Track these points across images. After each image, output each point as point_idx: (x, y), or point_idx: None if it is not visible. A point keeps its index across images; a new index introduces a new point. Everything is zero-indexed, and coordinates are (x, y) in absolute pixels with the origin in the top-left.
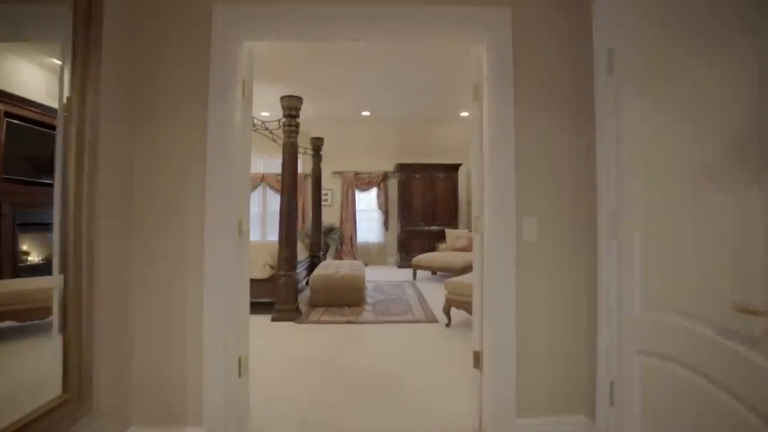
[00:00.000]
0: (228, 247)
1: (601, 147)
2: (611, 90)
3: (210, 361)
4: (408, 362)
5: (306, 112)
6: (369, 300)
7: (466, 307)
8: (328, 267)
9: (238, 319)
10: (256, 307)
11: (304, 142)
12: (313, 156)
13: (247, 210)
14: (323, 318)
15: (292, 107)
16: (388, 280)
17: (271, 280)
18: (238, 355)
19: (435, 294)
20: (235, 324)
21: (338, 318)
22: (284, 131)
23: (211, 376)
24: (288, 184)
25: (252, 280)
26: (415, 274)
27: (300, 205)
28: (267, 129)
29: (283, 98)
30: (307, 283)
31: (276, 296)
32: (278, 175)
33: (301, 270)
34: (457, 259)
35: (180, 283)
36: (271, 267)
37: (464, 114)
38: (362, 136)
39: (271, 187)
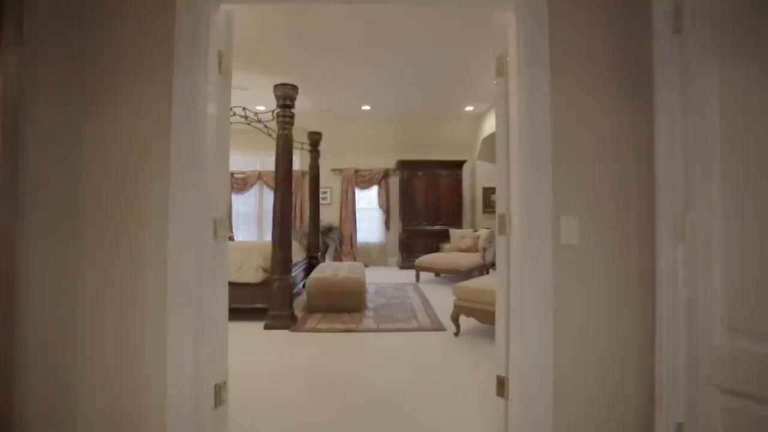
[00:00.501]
0: (200, 253)
1: (662, 131)
2: (676, 56)
3: (175, 395)
4: (414, 379)
5: (303, 106)
6: (370, 305)
7: (477, 314)
8: (327, 269)
9: (214, 340)
10: (248, 314)
11: (301, 137)
12: (310, 152)
13: (226, 208)
14: (320, 325)
15: (286, 96)
16: (390, 283)
17: (264, 284)
18: (213, 383)
19: (440, 298)
20: (210, 347)
21: (336, 325)
22: (278, 122)
23: (177, 413)
24: (282, 179)
25: (243, 285)
26: (418, 276)
27: (297, 203)
28: (260, 121)
29: (276, 87)
30: (304, 285)
31: (269, 302)
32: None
33: (297, 272)
34: (463, 260)
35: (141, 302)
36: (264, 270)
37: (469, 108)
38: (362, 131)
39: (268, 186)
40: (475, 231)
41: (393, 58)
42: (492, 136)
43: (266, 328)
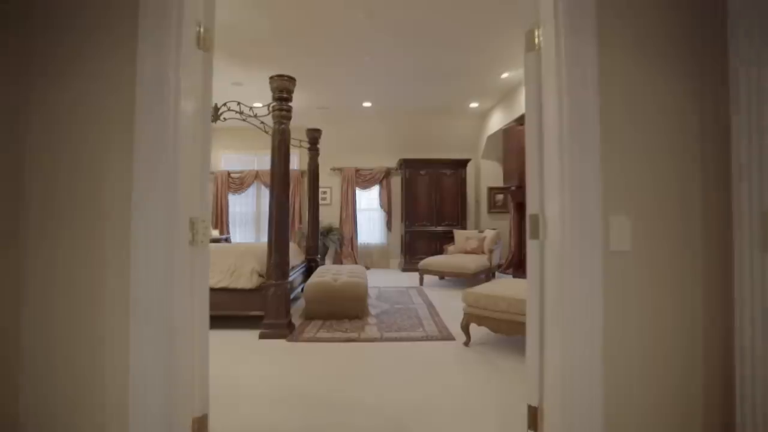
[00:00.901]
0: (171, 260)
1: (741, 113)
2: (758, 15)
3: None
4: (424, 399)
5: (302, 103)
6: (372, 311)
7: (489, 324)
8: (326, 273)
9: (191, 366)
10: (242, 322)
11: (299, 135)
12: (309, 149)
13: (208, 206)
14: (320, 334)
15: (282, 89)
16: (393, 286)
17: (259, 290)
18: (191, 417)
19: (446, 303)
20: (187, 374)
21: (337, 334)
22: (274, 116)
23: None
24: (278, 178)
25: (237, 291)
26: (421, 279)
27: (296, 204)
28: (255, 116)
29: (272, 78)
30: (303, 290)
31: (265, 309)
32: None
33: (296, 276)
34: (469, 262)
35: (100, 319)
36: (260, 275)
37: (473, 105)
38: (363, 129)
39: (266, 186)
40: (481, 232)
41: (395, 52)
42: (497, 134)
43: (261, 337)
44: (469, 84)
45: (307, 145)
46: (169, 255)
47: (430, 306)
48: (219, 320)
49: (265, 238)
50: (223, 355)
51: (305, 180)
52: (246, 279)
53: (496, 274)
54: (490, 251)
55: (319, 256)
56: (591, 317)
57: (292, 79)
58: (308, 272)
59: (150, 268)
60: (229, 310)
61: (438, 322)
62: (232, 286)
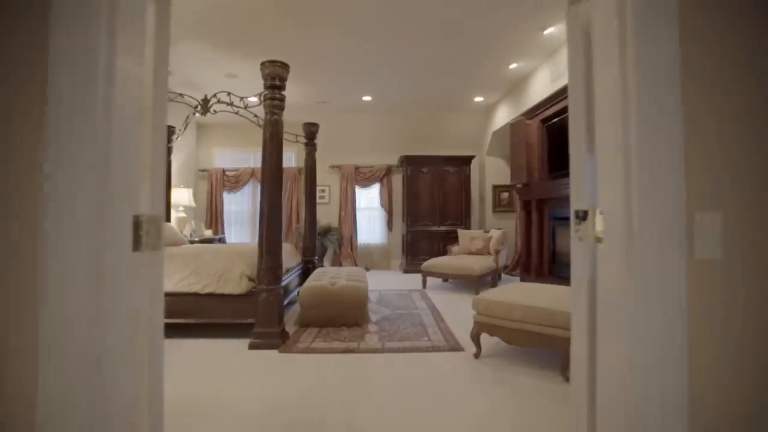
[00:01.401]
0: (103, 273)
1: None
2: None
3: None
4: (432, 422)
5: (298, 98)
6: (373, 317)
7: (503, 334)
8: (323, 276)
9: (134, 401)
10: (231, 330)
11: (296, 129)
12: (306, 145)
13: (156, 200)
14: (315, 344)
15: (275, 75)
16: (394, 289)
17: (249, 295)
18: None
19: (452, 307)
20: (127, 411)
21: (334, 344)
22: (265, 106)
23: None
24: (270, 173)
25: (225, 297)
26: (424, 282)
27: (293, 202)
28: (246, 107)
29: (264, 64)
30: (299, 294)
31: (255, 317)
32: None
33: (291, 278)
34: (474, 264)
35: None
36: (250, 279)
37: (478, 99)
38: (363, 125)
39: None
40: (486, 232)
41: (396, 41)
42: (504, 130)
43: (251, 347)
44: (474, 76)
45: (304, 140)
46: (98, 263)
47: (435, 311)
48: (206, 328)
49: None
50: (208, 367)
51: (302, 178)
52: (235, 284)
53: (502, 275)
54: (497, 252)
55: (316, 257)
56: (672, 344)
57: (285, 66)
58: (305, 275)
59: (68, 280)
60: (217, 318)
61: (444, 329)
62: (220, 291)
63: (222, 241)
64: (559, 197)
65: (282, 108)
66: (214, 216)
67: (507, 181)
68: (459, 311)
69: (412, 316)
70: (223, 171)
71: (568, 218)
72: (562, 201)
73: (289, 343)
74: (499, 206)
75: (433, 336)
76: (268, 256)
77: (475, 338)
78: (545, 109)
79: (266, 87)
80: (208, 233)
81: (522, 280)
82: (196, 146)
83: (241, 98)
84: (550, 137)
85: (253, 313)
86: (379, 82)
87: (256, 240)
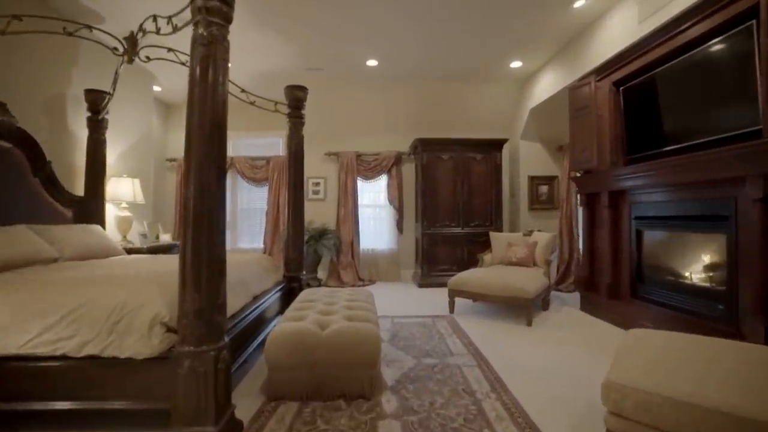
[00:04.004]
0: None
1: None
2: None
3: None
4: None
5: (284, 61)
6: (388, 375)
7: None
8: (309, 307)
9: None
10: (134, 422)
11: (275, 95)
12: (289, 117)
13: None
14: None
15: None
16: (412, 315)
17: (166, 359)
18: None
19: (504, 350)
20: None
21: None
22: (194, 11)
23: None
24: (199, 131)
25: (124, 363)
26: (452, 305)
27: (283, 198)
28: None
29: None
30: (266, 342)
31: (173, 400)
32: (252, 158)
33: (269, 302)
34: (524, 280)
35: None
36: (170, 329)
37: (515, 65)
38: (367, 99)
39: (243, 176)
40: (527, 235)
41: None
42: (546, 105)
43: None
44: (514, 29)
45: (286, 110)
46: None
47: (482, 360)
48: (83, 419)
49: (242, 244)
50: None
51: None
52: (140, 339)
53: (554, 295)
54: (548, 263)
55: (304, 272)
56: None
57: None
58: (288, 299)
59: None
60: (106, 401)
61: (512, 407)
62: (112, 353)
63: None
64: (646, 187)
65: (227, 18)
66: (183, 216)
67: (547, 171)
68: (519, 359)
69: (449, 374)
70: None
71: (663, 218)
72: (655, 192)
73: None
74: (536, 203)
75: (500, 426)
76: (195, 287)
77: None
78: (625, 64)
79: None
80: (166, 238)
81: (585, 299)
82: (164, 131)
83: (169, 19)
84: (630, 105)
85: (170, 391)
86: (387, 39)
87: (237, 246)
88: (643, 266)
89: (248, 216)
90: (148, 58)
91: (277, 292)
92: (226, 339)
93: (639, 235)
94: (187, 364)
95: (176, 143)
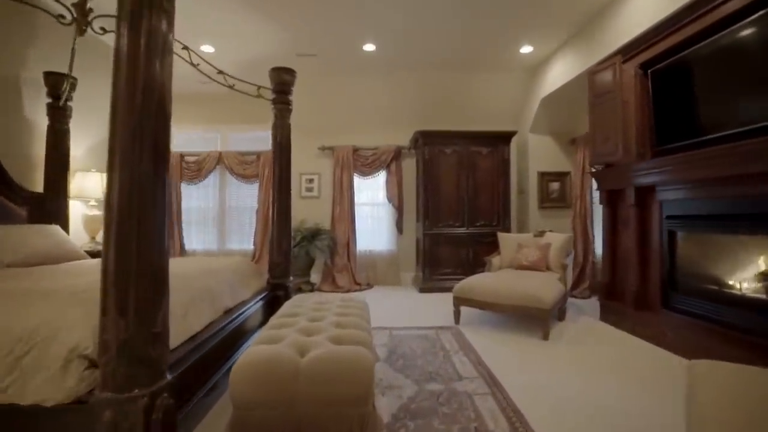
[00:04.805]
0: None
1: None
2: None
3: None
4: None
5: (272, 46)
6: (384, 407)
7: None
8: (289, 324)
9: None
10: None
11: (259, 79)
12: (274, 103)
13: None
14: None
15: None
16: (413, 327)
17: (85, 408)
18: None
19: (514, 368)
20: None
21: None
22: None
23: None
24: (126, 98)
25: (27, 413)
26: (458, 315)
27: (269, 196)
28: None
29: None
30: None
31: None
32: (242, 153)
33: (247, 314)
34: (540, 287)
35: None
36: (92, 363)
37: (526, 50)
38: (364, 89)
39: (232, 172)
40: (538, 235)
41: None
42: (560, 94)
43: None
44: (523, 11)
45: (271, 95)
46: None
47: (496, 386)
48: None
49: (232, 245)
50: None
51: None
52: (50, 378)
53: (571, 303)
54: (563, 267)
55: (291, 278)
56: None
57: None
58: (272, 308)
59: None
60: None
61: None
62: (9, 400)
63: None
64: (681, 182)
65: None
66: (168, 214)
67: (558, 167)
68: (539, 384)
69: (458, 406)
70: (181, 156)
71: (703, 217)
72: (693, 188)
73: None
74: (547, 200)
75: None
76: (120, 313)
77: None
78: (654, 44)
79: None
80: None
81: (605, 309)
82: None
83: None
84: (659, 89)
85: None
86: (386, 21)
87: (227, 247)
88: (676, 272)
89: (238, 215)
90: (104, 29)
91: (258, 301)
92: (169, 377)
93: (671, 236)
94: (107, 417)
95: None
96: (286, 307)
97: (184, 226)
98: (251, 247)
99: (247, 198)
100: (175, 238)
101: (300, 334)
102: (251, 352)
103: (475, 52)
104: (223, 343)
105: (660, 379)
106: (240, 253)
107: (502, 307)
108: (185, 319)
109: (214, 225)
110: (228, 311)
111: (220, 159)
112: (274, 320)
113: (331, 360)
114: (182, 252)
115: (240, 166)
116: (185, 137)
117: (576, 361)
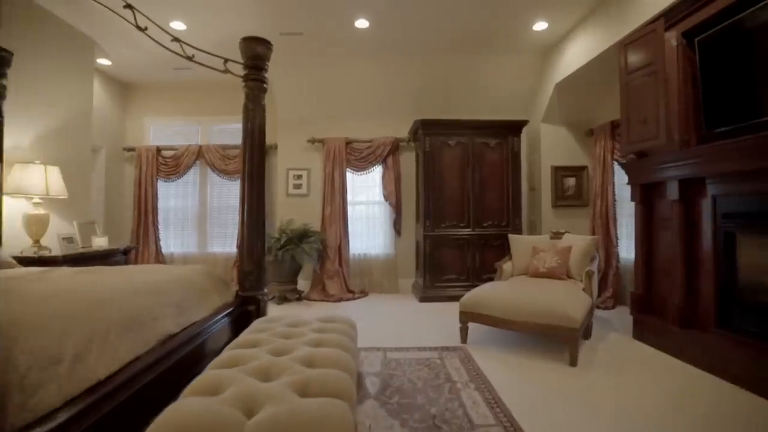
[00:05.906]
0: None
1: None
2: None
3: None
4: None
5: (251, 20)
6: None
7: None
8: (245, 360)
9: None
10: None
11: (229, 51)
12: (246, 80)
13: None
14: None
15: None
16: (412, 348)
17: None
18: None
19: (541, 409)
20: None
21: None
22: None
23: None
24: None
25: None
26: (465, 333)
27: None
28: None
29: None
30: None
31: None
32: (224, 147)
33: (204, 338)
34: (565, 301)
35: None
36: None
37: (539, 27)
38: (357, 73)
39: (214, 168)
40: (555, 237)
41: None
42: (577, 76)
43: None
44: None
45: (242, 71)
46: None
47: None
48: None
49: (214, 248)
50: None
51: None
52: None
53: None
54: (588, 275)
55: (265, 290)
56: None
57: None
58: (240, 326)
59: None
60: None
61: None
62: None
63: (126, 255)
64: (743, 173)
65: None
66: (143, 214)
67: (574, 161)
68: None
69: None
70: (158, 149)
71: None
72: (756, 179)
73: None
74: (561, 198)
75: None
76: None
77: None
78: (703, 5)
79: None
80: (101, 242)
81: (640, 325)
82: (120, 115)
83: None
84: (709, 62)
85: None
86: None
87: (209, 251)
88: (737, 284)
89: (220, 215)
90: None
91: (222, 319)
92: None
93: (730, 239)
94: None
95: (136, 130)
96: (247, 333)
97: (160, 227)
98: (234, 250)
99: (230, 196)
100: (150, 240)
101: (254, 377)
102: (176, 409)
103: (482, 30)
104: (151, 386)
105: (738, 426)
106: (222, 257)
107: (520, 326)
108: (81, 362)
109: (195, 226)
110: (169, 339)
111: (200, 153)
112: (228, 352)
113: (289, 426)
114: (158, 256)
115: (222, 161)
116: (162, 129)
117: (618, 396)
